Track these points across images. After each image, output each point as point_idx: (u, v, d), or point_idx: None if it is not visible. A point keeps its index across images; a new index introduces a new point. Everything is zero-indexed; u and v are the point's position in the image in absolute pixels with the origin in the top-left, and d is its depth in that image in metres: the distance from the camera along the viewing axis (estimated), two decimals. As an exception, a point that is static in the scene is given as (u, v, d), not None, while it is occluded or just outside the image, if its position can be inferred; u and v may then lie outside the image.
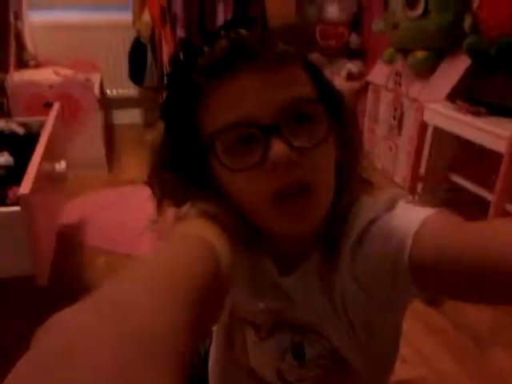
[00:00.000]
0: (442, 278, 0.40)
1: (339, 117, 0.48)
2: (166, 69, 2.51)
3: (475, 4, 1.61)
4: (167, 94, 0.48)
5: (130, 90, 2.93)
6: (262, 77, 0.42)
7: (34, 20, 2.61)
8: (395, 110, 1.99)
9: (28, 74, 2.28)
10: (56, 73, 2.25)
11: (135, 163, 2.29)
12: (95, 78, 2.42)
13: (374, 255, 0.45)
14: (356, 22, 2.57)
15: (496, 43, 1.43)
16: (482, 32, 1.54)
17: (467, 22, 1.59)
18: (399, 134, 1.97)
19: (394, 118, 2.00)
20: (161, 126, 0.49)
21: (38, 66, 2.49)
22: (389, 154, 2.07)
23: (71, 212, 1.79)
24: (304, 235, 0.46)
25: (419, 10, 1.75)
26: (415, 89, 1.85)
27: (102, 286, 0.28)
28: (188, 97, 0.45)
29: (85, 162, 2.10)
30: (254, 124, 0.42)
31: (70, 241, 1.71)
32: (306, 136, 0.43)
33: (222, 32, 0.44)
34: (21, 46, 2.47)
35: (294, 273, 0.50)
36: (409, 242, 0.41)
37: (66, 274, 1.48)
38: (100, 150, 2.33)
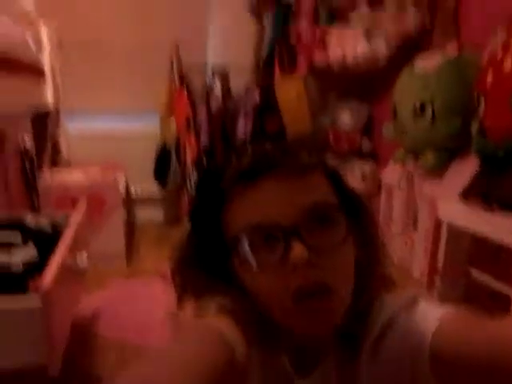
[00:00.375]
0: (461, 375, 0.40)
1: (359, 218, 0.51)
2: (189, 172, 2.66)
3: (481, 112, 1.71)
4: (195, 198, 0.53)
5: (154, 191, 3.06)
6: (284, 184, 0.46)
7: (70, 127, 2.85)
8: (409, 208, 2.02)
9: (59, 175, 2.43)
10: (85, 173, 2.39)
11: (153, 257, 2.32)
12: (121, 178, 2.56)
13: (394, 353, 0.46)
14: (368, 129, 2.73)
15: (503, 146, 1.50)
16: (488, 136, 1.62)
17: (474, 128, 1.67)
18: (415, 229, 1.99)
19: (409, 215, 2.03)
20: (186, 224, 0.53)
21: (69, 167, 2.67)
22: (405, 248, 2.07)
23: (87, 303, 1.78)
24: (323, 334, 0.47)
25: (427, 118, 1.86)
26: (428, 187, 1.90)
27: (121, 378, 0.29)
28: (214, 201, 0.48)
29: (104, 255, 2.14)
30: (276, 226, 0.44)
31: (83, 331, 1.69)
32: (326, 238, 0.45)
33: (249, 144, 0.50)
34: (56, 151, 2.68)
35: (310, 375, 0.49)
36: (428, 341, 0.42)
37: (77, 364, 1.44)
38: (120, 243, 2.39)
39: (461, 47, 1.92)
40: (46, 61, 2.31)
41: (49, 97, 2.34)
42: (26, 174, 1.97)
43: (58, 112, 2.66)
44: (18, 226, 1.57)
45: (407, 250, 2.03)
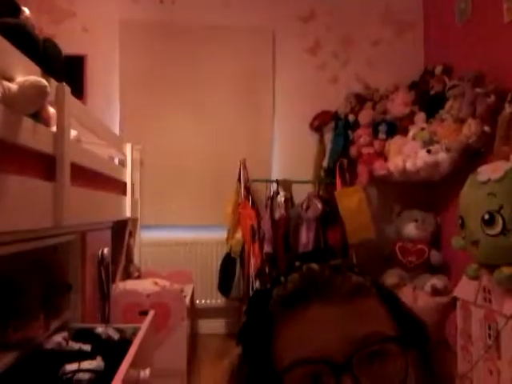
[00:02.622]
0: None
1: (423, 349, 0.46)
2: (252, 281, 2.68)
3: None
4: (245, 319, 0.51)
5: (217, 301, 3.07)
6: (334, 310, 0.43)
7: (143, 237, 3.04)
8: (489, 327, 1.85)
9: (130, 284, 2.54)
10: (155, 283, 2.48)
11: (213, 374, 2.25)
12: (188, 289, 2.62)
13: None
14: (435, 239, 2.64)
15: None
16: None
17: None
18: (498, 356, 1.79)
19: (490, 336, 1.85)
20: (238, 348, 0.51)
21: (140, 276, 2.79)
22: (489, 378, 1.84)
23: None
24: None
25: (498, 228, 1.80)
26: (508, 305, 1.75)
27: None
28: (262, 324, 0.47)
29: (166, 371, 2.11)
30: (326, 361, 0.42)
31: None
32: (381, 376, 0.41)
33: (297, 264, 0.49)
34: (129, 259, 2.84)
35: None
36: None
37: None
38: (182, 359, 2.36)
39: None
40: (128, 178, 2.56)
41: (128, 210, 2.55)
42: (102, 284, 2.08)
43: (135, 224, 2.87)
44: (89, 336, 1.63)
45: (492, 382, 1.82)
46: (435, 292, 2.45)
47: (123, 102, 3.20)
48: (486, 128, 2.40)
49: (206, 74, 3.27)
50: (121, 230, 2.66)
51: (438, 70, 3.01)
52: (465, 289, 2.09)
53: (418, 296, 2.47)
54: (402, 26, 3.45)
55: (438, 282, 2.42)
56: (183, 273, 2.81)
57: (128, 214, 2.54)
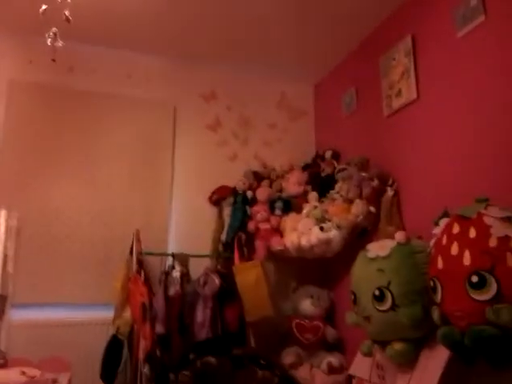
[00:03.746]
0: None
1: None
2: (141, 367, 2.41)
3: (439, 298, 1.74)
4: None
5: (98, 391, 2.70)
6: None
7: (14, 317, 2.63)
8: (385, 406, 1.85)
9: (-9, 376, 2.13)
10: (22, 373, 2.12)
11: None
12: (63, 378, 2.27)
13: None
14: (330, 316, 2.68)
15: (469, 333, 1.47)
16: (452, 323, 1.60)
17: (435, 315, 1.67)
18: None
19: (386, 416, 1.85)
20: None
21: (5, 364, 2.37)
22: None
23: None
24: None
25: (388, 304, 1.87)
26: (400, 381, 1.77)
27: None
28: None
29: None
30: None
31: None
32: None
33: (192, 356, 0.44)
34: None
35: None
36: None
37: None
38: None
39: (408, 234, 2.05)
40: (0, 248, 2.25)
41: (-4, 285, 2.21)
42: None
43: (3, 302, 2.49)
44: None
45: None
46: (331, 370, 2.43)
47: (2, 164, 2.89)
48: (372, 208, 2.60)
49: (102, 142, 3.14)
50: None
51: (328, 154, 3.26)
52: (359, 366, 2.10)
53: (315, 375, 2.43)
54: (295, 112, 3.73)
55: (333, 359, 2.41)
56: (58, 359, 2.43)
57: (-4, 289, 2.20)
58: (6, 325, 2.53)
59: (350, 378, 2.21)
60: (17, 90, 3.01)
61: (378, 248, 2.05)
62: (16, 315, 2.63)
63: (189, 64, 3.44)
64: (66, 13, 1.89)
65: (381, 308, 1.88)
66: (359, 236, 2.68)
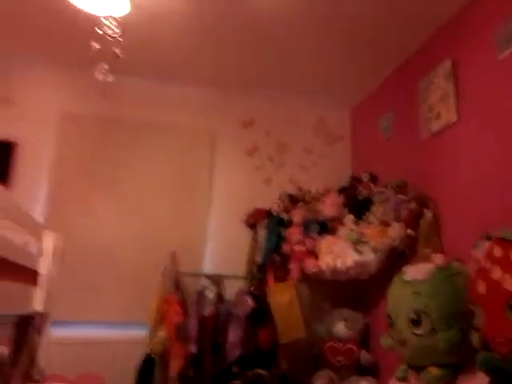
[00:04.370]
0: None
1: None
2: (173, 385, 2.41)
3: (479, 323, 1.65)
4: None
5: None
6: None
7: (53, 335, 2.71)
8: None
9: (29, 390, 2.19)
10: (58, 388, 2.16)
11: None
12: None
13: None
14: (364, 339, 2.59)
15: (509, 360, 1.39)
16: (492, 349, 1.52)
17: (475, 339, 1.59)
18: None
19: None
20: None
21: (43, 381, 2.43)
22: None
23: None
24: None
25: (424, 328, 1.79)
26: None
27: None
28: None
29: None
30: None
31: None
32: None
33: (235, 369, 0.44)
34: (32, 361, 2.48)
35: None
36: None
37: None
38: None
39: (447, 257, 1.98)
40: (44, 268, 2.35)
41: (38, 303, 2.30)
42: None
43: (44, 319, 2.58)
44: None
45: None
46: (364, 398, 2.33)
47: (52, 189, 3.08)
48: (410, 231, 2.52)
49: (143, 167, 3.27)
50: (26, 326, 2.36)
51: (365, 177, 3.23)
52: (394, 393, 2.00)
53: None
54: (332, 137, 3.74)
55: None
56: (93, 376, 2.48)
57: (38, 307, 2.28)
58: (45, 342, 2.60)
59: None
60: (67, 122, 3.22)
61: (415, 271, 1.99)
62: (55, 332, 2.71)
63: (227, 92, 3.55)
64: (116, 50, 2.01)
65: (417, 332, 1.81)
66: (396, 259, 2.60)
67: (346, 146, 3.74)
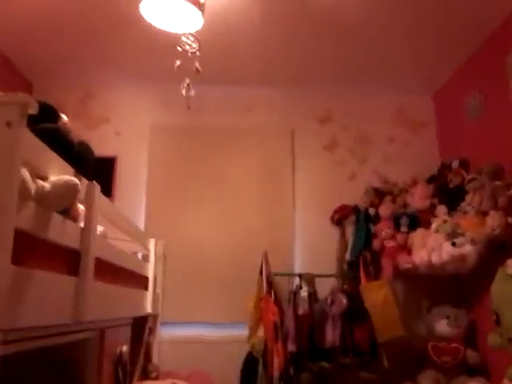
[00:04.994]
0: None
1: None
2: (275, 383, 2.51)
3: None
4: None
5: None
6: None
7: (162, 334, 2.95)
8: None
9: (148, 385, 2.42)
10: (173, 384, 2.36)
11: None
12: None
13: None
14: (470, 337, 2.48)
15: None
16: None
17: None
18: None
19: None
20: None
21: (157, 377, 2.66)
22: None
23: None
24: None
25: (536, 325, 1.69)
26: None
27: None
28: None
29: None
30: None
31: None
32: None
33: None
34: (147, 358, 2.73)
35: None
36: None
37: None
38: None
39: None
40: (151, 273, 2.57)
41: (149, 305, 2.52)
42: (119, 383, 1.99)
43: (155, 320, 2.81)
44: None
45: None
46: (475, 398, 2.24)
47: (149, 199, 3.34)
48: (510, 219, 2.37)
49: (228, 171, 3.42)
50: (140, 327, 2.60)
51: (455, 164, 3.06)
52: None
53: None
54: (415, 124, 3.60)
55: (477, 385, 2.22)
56: (203, 373, 2.67)
57: (149, 309, 2.51)
58: (157, 341, 2.84)
59: (499, 406, 2.02)
60: (156, 134, 3.47)
61: (520, 263, 1.88)
62: (164, 332, 2.95)
63: (302, 89, 3.58)
64: (196, 64, 2.14)
65: (528, 330, 1.72)
66: (498, 250, 2.46)
67: (431, 132, 3.58)
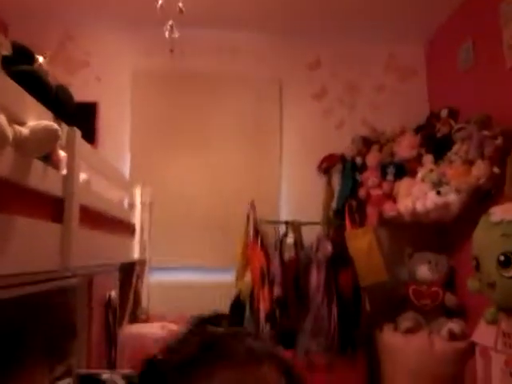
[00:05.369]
0: None
1: None
2: (262, 326, 2.61)
3: None
4: None
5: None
6: (236, 376, 0.43)
7: (150, 279, 3.01)
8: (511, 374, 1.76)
9: (137, 328, 2.49)
10: (163, 327, 2.43)
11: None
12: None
13: None
14: (449, 282, 2.58)
15: None
16: None
17: None
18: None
19: (512, 385, 1.76)
20: None
21: (147, 320, 2.74)
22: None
23: None
24: None
25: (514, 270, 1.75)
26: (530, 351, 1.67)
27: None
28: None
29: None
30: None
31: None
32: None
33: (194, 329, 0.48)
34: (136, 302, 2.79)
35: None
36: None
37: None
38: None
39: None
40: (137, 220, 2.57)
41: (136, 252, 2.54)
42: (109, 328, 2.04)
43: (143, 266, 2.85)
44: (95, 383, 1.59)
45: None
46: (452, 337, 2.36)
47: (133, 147, 3.27)
48: (496, 169, 2.39)
49: (214, 118, 3.35)
50: (129, 273, 2.64)
51: (444, 113, 3.04)
52: (483, 333, 2.01)
53: (435, 341, 2.38)
54: (404, 72, 3.53)
55: (454, 326, 2.33)
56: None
57: (136, 255, 2.53)
58: (146, 285, 2.90)
59: (473, 345, 2.13)
60: (139, 79, 3.34)
61: (503, 211, 1.92)
62: (153, 278, 3.00)
63: (291, 36, 3.44)
64: (180, 5, 2.02)
65: (507, 274, 1.78)
66: (483, 199, 2.50)
67: (421, 81, 3.52)
